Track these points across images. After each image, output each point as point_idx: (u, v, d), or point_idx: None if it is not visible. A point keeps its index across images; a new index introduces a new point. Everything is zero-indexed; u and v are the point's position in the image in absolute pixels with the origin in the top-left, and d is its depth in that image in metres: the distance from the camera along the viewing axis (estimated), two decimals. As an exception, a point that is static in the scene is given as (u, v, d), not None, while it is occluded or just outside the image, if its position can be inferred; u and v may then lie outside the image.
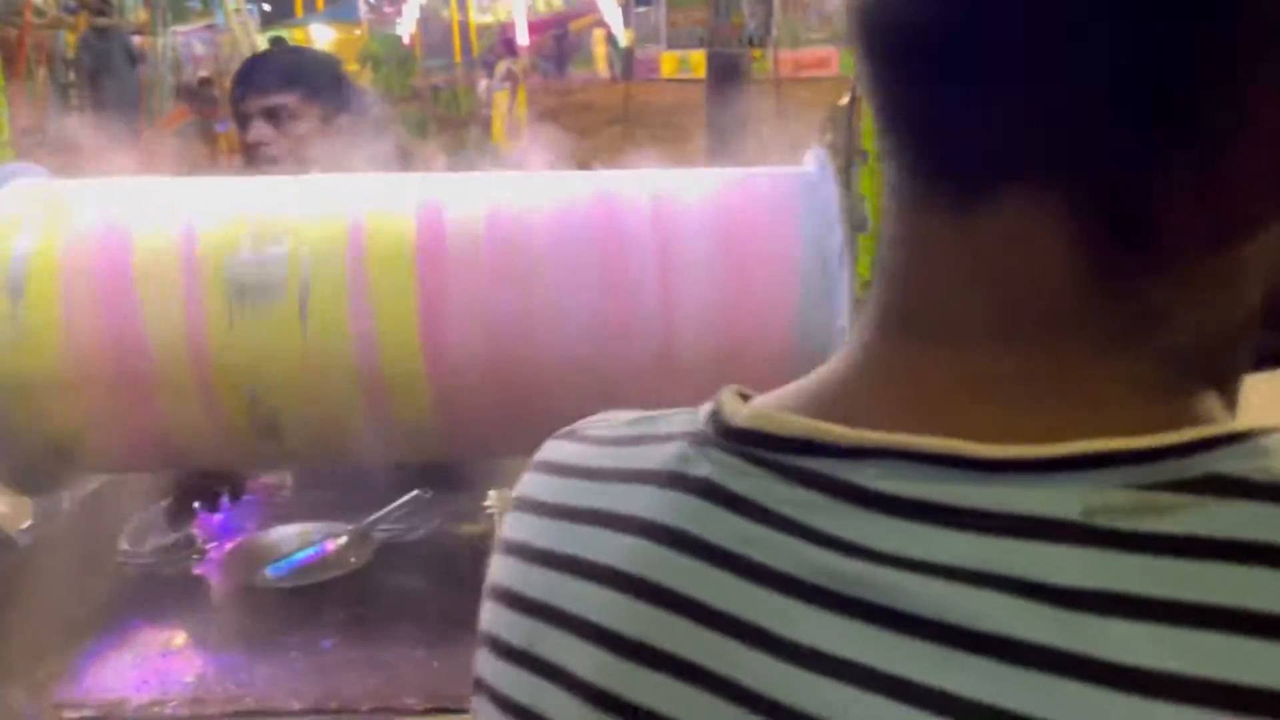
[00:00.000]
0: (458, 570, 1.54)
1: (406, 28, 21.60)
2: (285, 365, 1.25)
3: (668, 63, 21.70)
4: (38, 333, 1.21)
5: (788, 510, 0.41)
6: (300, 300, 1.27)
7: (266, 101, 1.89)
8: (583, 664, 0.45)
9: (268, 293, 1.25)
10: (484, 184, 1.36)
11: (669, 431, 0.49)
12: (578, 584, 0.47)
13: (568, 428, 0.56)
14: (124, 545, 1.59)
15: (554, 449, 0.55)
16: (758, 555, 0.42)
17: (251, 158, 1.89)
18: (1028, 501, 0.37)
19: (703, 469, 0.45)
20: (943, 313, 0.42)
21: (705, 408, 0.48)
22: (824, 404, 0.44)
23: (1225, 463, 0.36)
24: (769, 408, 0.45)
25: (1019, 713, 0.34)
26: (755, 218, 1.29)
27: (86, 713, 1.23)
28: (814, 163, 1.31)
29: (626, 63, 22.47)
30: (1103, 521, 0.36)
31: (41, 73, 9.82)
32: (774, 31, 5.05)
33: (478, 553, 1.62)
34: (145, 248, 1.24)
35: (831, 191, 1.24)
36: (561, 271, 1.26)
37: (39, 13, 9.69)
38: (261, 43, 13.99)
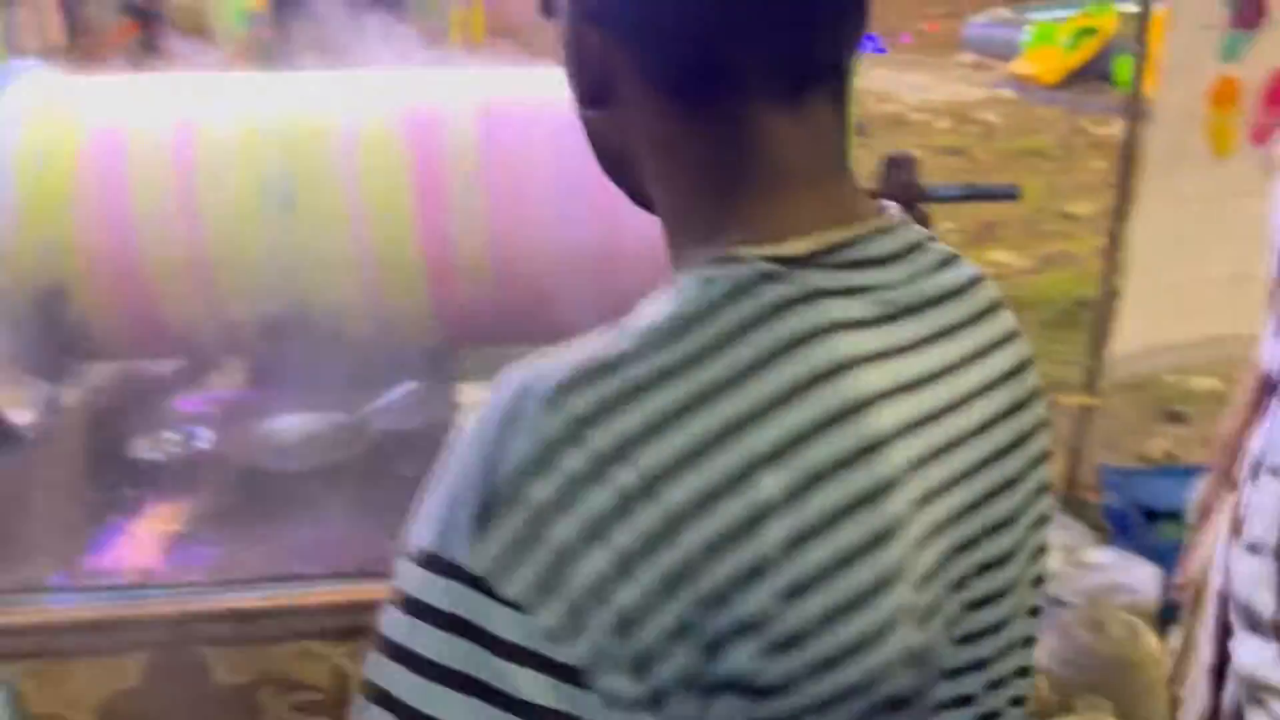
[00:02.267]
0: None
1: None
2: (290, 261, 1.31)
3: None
4: (54, 225, 1.26)
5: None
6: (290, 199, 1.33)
7: None
8: None
9: (267, 196, 1.31)
10: (475, 80, 1.42)
11: (720, 300, 0.58)
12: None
13: (577, 374, 0.55)
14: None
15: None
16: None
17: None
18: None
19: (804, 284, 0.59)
20: None
21: (738, 267, 0.59)
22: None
23: None
24: (792, 239, 0.60)
25: None
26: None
27: (118, 580, 1.31)
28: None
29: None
30: None
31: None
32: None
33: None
34: (142, 145, 1.29)
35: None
36: (554, 163, 1.33)
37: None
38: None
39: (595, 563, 0.51)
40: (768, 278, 0.58)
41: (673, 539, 0.52)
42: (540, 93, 1.40)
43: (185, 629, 1.28)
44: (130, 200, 1.27)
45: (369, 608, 0.57)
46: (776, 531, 0.53)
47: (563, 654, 0.51)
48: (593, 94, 0.65)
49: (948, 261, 0.67)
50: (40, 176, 1.25)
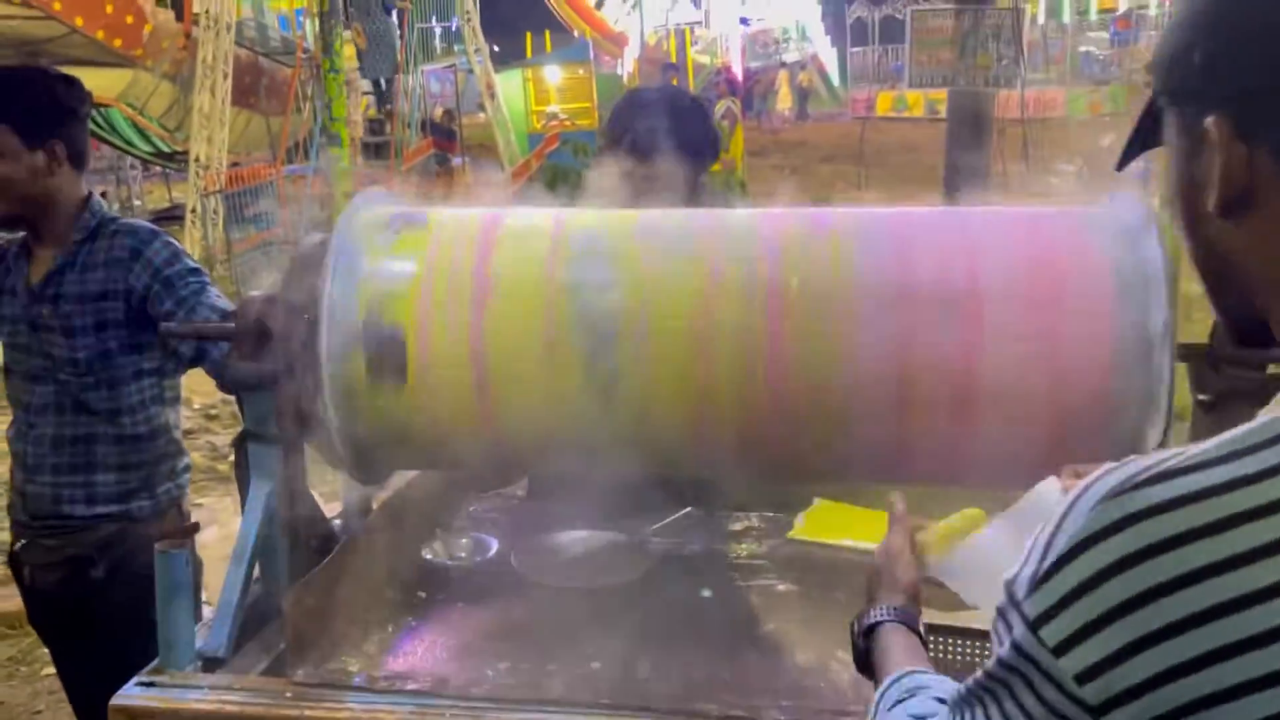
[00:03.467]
0: (735, 586, 1.60)
1: (626, 68, 22.37)
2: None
3: (884, 102, 21.71)
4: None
5: None
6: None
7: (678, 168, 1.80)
8: None
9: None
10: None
11: None
12: None
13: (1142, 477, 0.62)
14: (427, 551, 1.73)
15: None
16: None
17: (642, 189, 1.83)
18: None
19: None
20: None
21: None
22: None
23: None
24: None
25: None
26: (1065, 259, 1.29)
27: (415, 685, 1.34)
28: (1129, 208, 1.29)
29: (802, 105, 22.86)
30: None
31: (307, 107, 10.81)
32: (1023, 72, 4.94)
33: (751, 570, 1.68)
34: (504, 278, 1.37)
35: (1154, 244, 1.22)
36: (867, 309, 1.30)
37: (307, 53, 10.72)
38: (498, 81, 14.88)
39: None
40: None
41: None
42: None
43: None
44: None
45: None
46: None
47: (1083, 693, 0.62)
48: (1228, 203, 0.66)
49: None
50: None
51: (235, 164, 10.57)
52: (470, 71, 13.88)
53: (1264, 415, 0.62)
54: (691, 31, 22.27)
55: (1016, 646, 0.65)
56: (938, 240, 1.32)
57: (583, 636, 1.46)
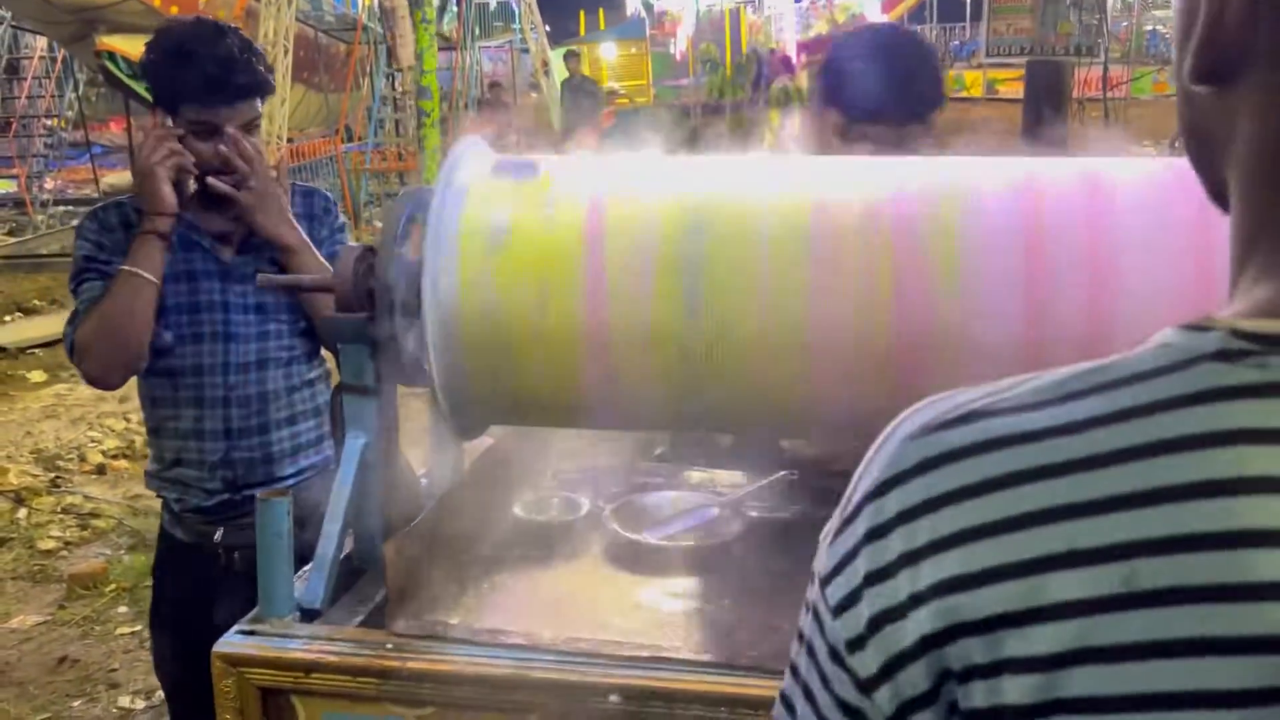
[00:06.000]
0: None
1: (678, 46, 22.33)
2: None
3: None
4: (515, 293, 1.33)
5: None
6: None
7: (888, 131, 1.67)
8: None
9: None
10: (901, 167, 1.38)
11: (1151, 370, 0.51)
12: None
13: (948, 413, 0.54)
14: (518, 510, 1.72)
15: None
16: None
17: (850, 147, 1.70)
18: None
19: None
20: None
21: (1199, 336, 0.51)
22: None
23: None
24: None
25: None
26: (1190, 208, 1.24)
27: (515, 639, 1.33)
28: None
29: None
30: None
31: (366, 83, 10.87)
32: (1105, 42, 4.81)
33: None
34: (616, 223, 1.34)
35: None
36: (984, 260, 1.26)
37: (365, 29, 10.78)
38: (553, 59, 14.85)
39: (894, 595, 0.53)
40: (1223, 356, 0.50)
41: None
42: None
43: (573, 697, 1.28)
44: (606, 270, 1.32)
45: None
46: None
47: (854, 662, 0.55)
48: (1214, 68, 0.54)
49: None
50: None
51: (291, 140, 10.65)
52: (525, 50, 13.87)
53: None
54: (745, 10, 22.10)
55: (812, 609, 0.58)
56: (1064, 190, 1.27)
57: (676, 595, 1.44)
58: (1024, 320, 1.24)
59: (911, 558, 0.52)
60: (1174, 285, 1.19)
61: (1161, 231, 1.21)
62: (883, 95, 1.63)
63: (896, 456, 0.54)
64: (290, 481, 2.11)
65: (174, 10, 9.95)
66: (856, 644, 0.54)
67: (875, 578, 0.54)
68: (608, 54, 15.00)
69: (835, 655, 0.56)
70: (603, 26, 18.72)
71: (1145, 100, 15.32)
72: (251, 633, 1.39)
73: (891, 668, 0.53)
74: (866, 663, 0.54)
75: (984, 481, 0.51)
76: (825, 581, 0.57)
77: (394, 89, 11.16)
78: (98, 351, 1.94)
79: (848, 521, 0.56)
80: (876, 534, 0.54)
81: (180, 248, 2.01)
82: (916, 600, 0.52)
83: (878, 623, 0.53)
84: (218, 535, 2.11)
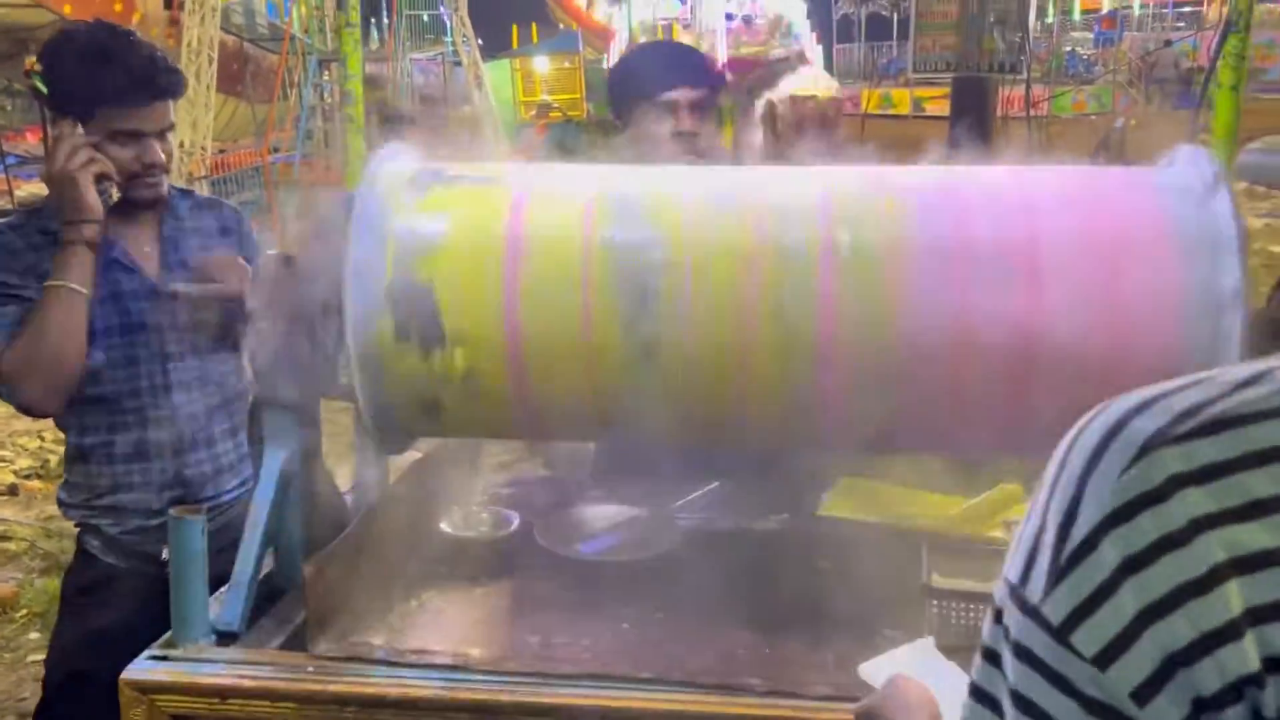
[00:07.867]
0: (764, 562, 1.55)
1: (612, 61, 22.39)
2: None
3: (869, 99, 21.76)
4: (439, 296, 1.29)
5: None
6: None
7: (695, 94, 1.96)
8: None
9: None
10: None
11: None
12: None
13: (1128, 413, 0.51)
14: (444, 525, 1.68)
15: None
16: None
17: (680, 149, 1.92)
18: None
19: None
20: None
21: None
22: None
23: None
24: None
25: None
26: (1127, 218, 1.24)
27: (442, 659, 1.29)
28: (1194, 166, 1.24)
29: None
30: None
31: (293, 94, 10.71)
32: (1028, 59, 4.92)
33: (781, 546, 1.63)
34: (539, 236, 1.31)
35: (1225, 202, 1.17)
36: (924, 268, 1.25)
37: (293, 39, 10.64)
38: (485, 72, 14.78)
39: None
40: None
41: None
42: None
43: (504, 719, 1.24)
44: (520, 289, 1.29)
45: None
46: None
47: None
48: None
49: None
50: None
51: (221, 151, 10.44)
52: (458, 63, 13.76)
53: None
54: (677, 26, 22.23)
55: (1036, 663, 0.51)
56: (996, 198, 1.27)
57: (611, 611, 1.41)
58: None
59: (1199, 586, 0.47)
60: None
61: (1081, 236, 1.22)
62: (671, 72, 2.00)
63: (1137, 475, 0.49)
64: (236, 494, 2.02)
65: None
66: (1149, 688, 0.48)
67: (1152, 613, 0.48)
68: (540, 67, 14.95)
69: (1103, 709, 0.49)
70: (535, 40, 18.70)
71: (1066, 119, 15.71)
72: (164, 658, 1.32)
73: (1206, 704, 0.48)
74: (1162, 710, 0.48)
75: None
76: (1063, 630, 0.50)
77: (323, 99, 10.99)
78: (36, 376, 1.81)
79: (1075, 560, 0.50)
80: (1136, 564, 0.49)
81: (102, 268, 1.90)
82: (1235, 627, 0.47)
83: (1174, 661, 0.48)
84: (164, 554, 2.01)
